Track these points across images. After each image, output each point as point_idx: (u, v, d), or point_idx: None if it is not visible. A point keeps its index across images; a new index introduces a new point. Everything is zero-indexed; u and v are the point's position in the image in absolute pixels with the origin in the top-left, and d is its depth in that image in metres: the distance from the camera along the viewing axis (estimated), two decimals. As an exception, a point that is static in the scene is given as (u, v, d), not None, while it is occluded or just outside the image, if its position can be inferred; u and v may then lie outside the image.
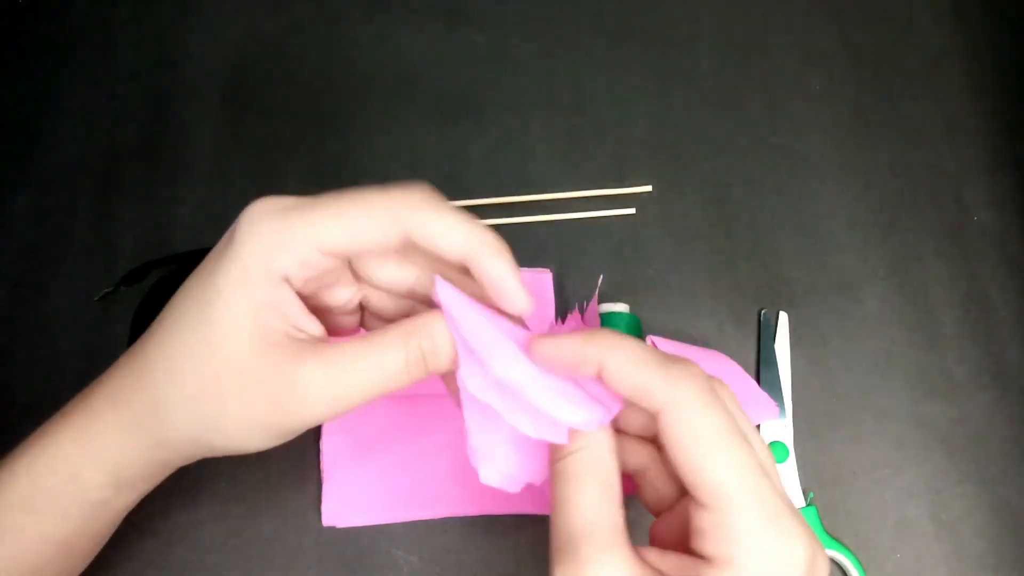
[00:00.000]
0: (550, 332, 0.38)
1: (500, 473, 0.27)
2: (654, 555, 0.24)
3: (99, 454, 0.27)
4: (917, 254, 0.43)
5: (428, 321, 0.26)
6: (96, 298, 0.41)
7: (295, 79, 0.47)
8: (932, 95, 0.47)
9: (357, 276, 0.29)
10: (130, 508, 0.31)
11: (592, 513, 0.23)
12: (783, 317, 0.42)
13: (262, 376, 0.25)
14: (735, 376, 0.38)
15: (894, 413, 0.40)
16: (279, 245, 0.25)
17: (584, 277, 0.43)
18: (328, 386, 0.25)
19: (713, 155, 0.45)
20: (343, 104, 0.47)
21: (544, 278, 0.42)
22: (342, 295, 0.29)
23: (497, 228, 0.43)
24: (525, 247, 0.43)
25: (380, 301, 0.30)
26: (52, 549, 0.28)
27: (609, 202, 0.44)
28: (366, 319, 0.31)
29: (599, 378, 0.25)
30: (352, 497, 0.38)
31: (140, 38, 0.48)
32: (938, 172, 0.45)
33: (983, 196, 0.45)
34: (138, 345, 0.28)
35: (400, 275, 0.29)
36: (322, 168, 0.45)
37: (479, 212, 0.44)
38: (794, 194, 0.45)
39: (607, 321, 0.40)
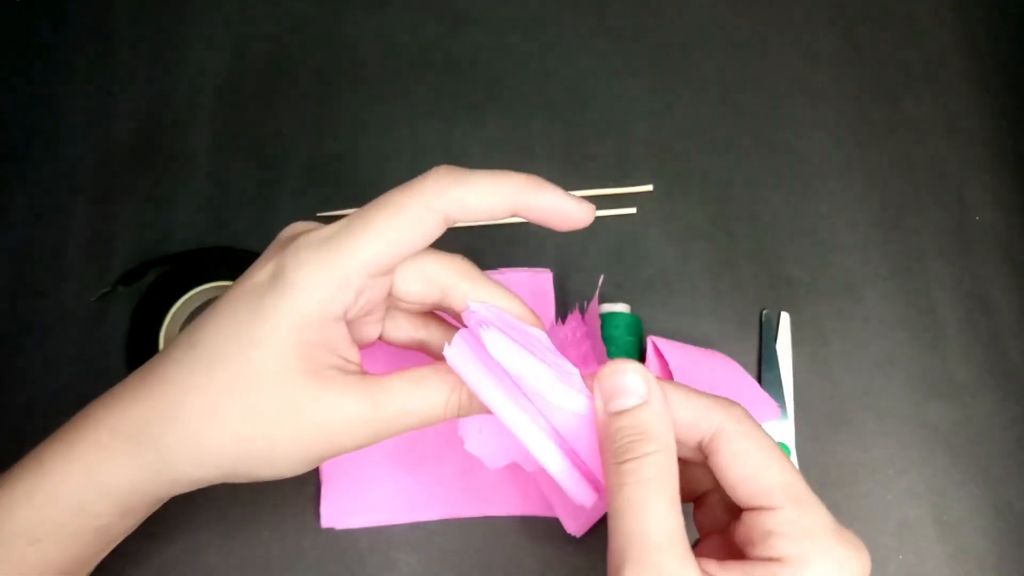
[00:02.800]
0: (560, 330, 0.39)
1: (484, 446, 0.29)
2: (713, 566, 0.23)
3: (111, 487, 0.27)
4: (919, 254, 0.43)
5: None
6: (94, 298, 0.41)
7: (294, 79, 0.47)
8: (934, 94, 0.47)
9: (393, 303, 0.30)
10: (131, 531, 0.30)
11: (668, 522, 0.23)
12: (784, 317, 0.42)
13: (313, 411, 0.26)
14: (736, 376, 0.38)
15: (896, 414, 0.40)
16: (335, 286, 0.25)
17: (584, 277, 0.42)
18: (373, 419, 0.26)
19: (714, 154, 0.45)
20: (343, 104, 0.47)
21: (544, 278, 0.42)
22: (376, 314, 0.29)
23: (497, 228, 0.44)
24: (525, 247, 0.43)
25: (402, 313, 0.31)
26: (53, 573, 0.28)
27: (610, 202, 0.44)
28: (386, 328, 0.31)
29: None
30: (351, 499, 0.38)
31: (138, 38, 0.48)
32: (940, 171, 0.45)
33: (985, 195, 0.44)
34: (158, 376, 0.27)
35: (425, 292, 0.29)
36: (322, 168, 0.45)
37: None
38: (796, 194, 0.45)
39: (608, 321, 0.40)
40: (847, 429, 0.40)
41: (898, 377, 0.41)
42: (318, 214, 0.44)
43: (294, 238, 0.27)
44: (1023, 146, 0.45)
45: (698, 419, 0.25)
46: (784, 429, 0.40)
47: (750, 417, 0.25)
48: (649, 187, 0.44)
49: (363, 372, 0.28)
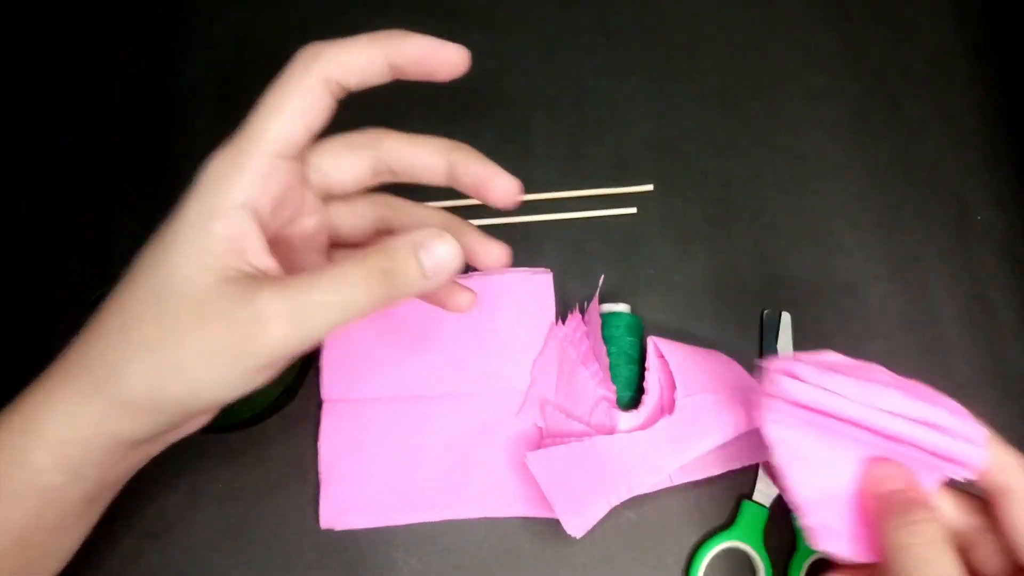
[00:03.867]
0: (560, 330, 0.40)
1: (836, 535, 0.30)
2: None
3: (47, 432, 0.26)
4: (919, 254, 0.43)
5: (389, 241, 0.26)
6: (95, 298, 0.41)
7: (295, 79, 0.47)
8: (934, 94, 0.47)
9: (322, 201, 0.30)
10: (94, 502, 0.29)
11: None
12: (785, 317, 0.42)
13: (219, 306, 0.25)
14: (737, 377, 0.38)
15: (896, 413, 0.40)
16: (234, 168, 0.26)
17: (584, 277, 0.42)
18: (287, 308, 0.25)
19: (714, 154, 0.45)
20: (343, 104, 0.46)
21: (544, 278, 0.41)
22: (308, 223, 0.29)
23: (497, 228, 0.44)
24: (525, 247, 0.43)
25: (350, 232, 0.31)
26: (7, 540, 0.27)
27: (610, 202, 0.44)
28: (337, 223, 0.31)
29: None
30: (350, 500, 0.38)
31: (140, 38, 0.48)
32: (940, 171, 0.45)
33: (985, 195, 0.44)
34: (101, 309, 0.27)
35: (358, 169, 0.30)
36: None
37: (479, 212, 0.44)
38: (795, 194, 0.45)
39: (607, 321, 0.40)
40: (847, 429, 0.40)
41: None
42: (318, 214, 0.44)
43: None
44: (1023, 145, 0.45)
45: (1004, 469, 0.28)
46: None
47: None
48: (649, 187, 0.44)
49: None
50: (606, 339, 0.39)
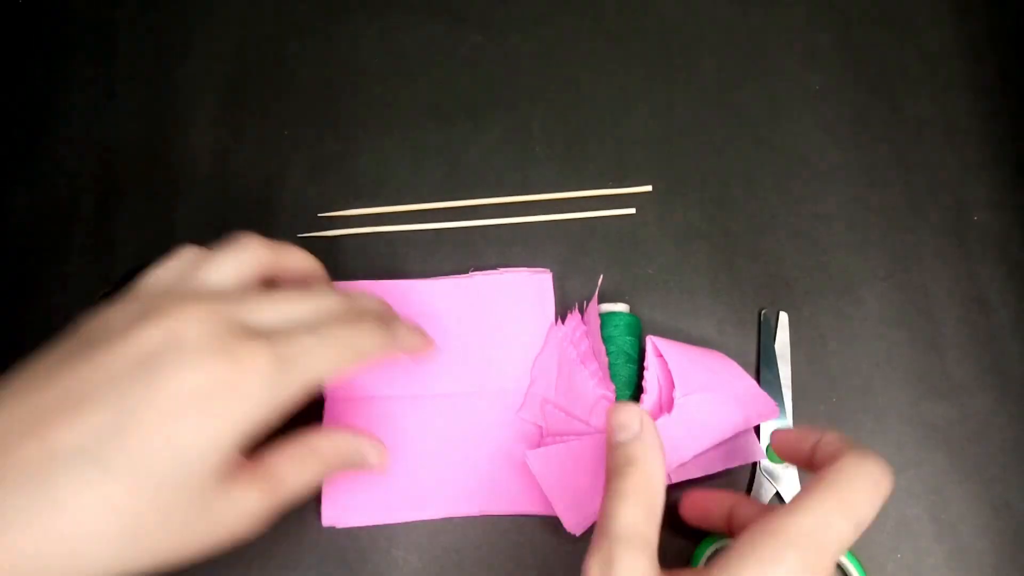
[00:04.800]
0: (560, 330, 0.41)
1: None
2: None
3: None
4: (917, 254, 0.43)
5: (344, 444, 0.31)
6: (96, 298, 0.41)
7: (295, 79, 0.47)
8: (932, 95, 0.47)
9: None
10: None
11: (631, 522, 0.26)
12: (783, 317, 0.42)
13: (209, 493, 0.25)
14: (735, 376, 0.38)
15: (894, 413, 0.40)
16: (294, 383, 0.26)
17: (584, 277, 0.43)
18: (272, 507, 0.27)
19: (713, 155, 0.45)
20: (343, 104, 0.47)
21: (544, 278, 0.42)
22: None
23: (497, 228, 0.44)
24: (525, 247, 0.43)
25: None
26: None
27: (609, 202, 0.44)
28: None
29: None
30: (351, 497, 0.38)
31: (140, 38, 0.48)
32: (938, 172, 0.45)
33: (983, 196, 0.45)
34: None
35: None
36: (322, 168, 0.45)
37: (479, 212, 0.44)
38: (794, 194, 0.45)
39: (607, 321, 0.40)
40: (845, 428, 0.40)
41: (896, 376, 0.41)
42: (318, 214, 0.44)
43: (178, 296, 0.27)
44: (1021, 147, 0.45)
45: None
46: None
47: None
48: (648, 187, 0.44)
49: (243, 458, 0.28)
50: (605, 339, 0.39)
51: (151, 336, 0.25)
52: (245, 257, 0.30)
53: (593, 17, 0.48)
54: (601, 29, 0.48)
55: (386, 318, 0.32)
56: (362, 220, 0.44)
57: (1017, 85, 0.47)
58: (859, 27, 0.48)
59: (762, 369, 0.41)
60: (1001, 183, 0.45)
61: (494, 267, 0.42)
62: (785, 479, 0.39)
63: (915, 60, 0.48)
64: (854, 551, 0.38)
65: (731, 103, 0.47)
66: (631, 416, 0.29)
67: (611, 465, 0.29)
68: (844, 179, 0.45)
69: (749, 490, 0.39)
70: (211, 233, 0.44)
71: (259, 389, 0.25)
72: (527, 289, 0.41)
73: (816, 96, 0.47)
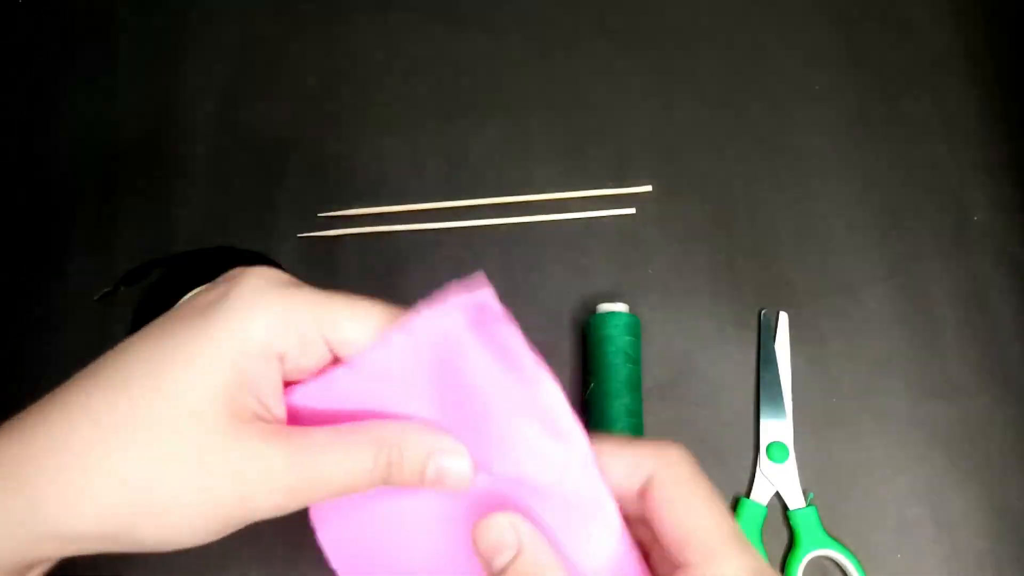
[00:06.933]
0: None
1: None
2: None
3: None
4: (917, 254, 0.43)
5: (401, 432, 0.25)
6: (96, 297, 0.41)
7: (295, 79, 0.47)
8: (932, 95, 0.47)
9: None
10: None
11: None
12: (783, 317, 0.42)
13: (230, 455, 0.22)
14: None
15: (894, 413, 0.40)
16: (288, 322, 0.23)
17: (584, 277, 0.43)
18: (292, 473, 0.23)
19: (713, 155, 0.45)
20: (343, 104, 0.47)
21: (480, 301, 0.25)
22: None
23: (497, 228, 0.44)
24: (525, 247, 0.43)
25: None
26: None
27: (609, 202, 0.44)
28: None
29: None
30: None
31: (140, 38, 0.48)
32: (938, 172, 0.45)
33: (983, 196, 0.45)
34: (56, 404, 0.23)
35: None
36: (322, 168, 0.45)
37: (479, 212, 0.44)
38: (794, 194, 0.45)
39: (606, 321, 0.40)
40: (845, 428, 0.40)
41: (896, 377, 0.41)
42: (318, 214, 0.44)
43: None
44: (1021, 147, 0.45)
45: (631, 470, 0.23)
46: (783, 428, 0.40)
47: (688, 460, 0.23)
48: (648, 187, 0.44)
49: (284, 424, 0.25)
50: (605, 339, 0.39)
51: None
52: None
53: (593, 17, 0.48)
54: (601, 29, 0.48)
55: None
56: (362, 220, 0.44)
57: (1017, 85, 0.47)
58: (859, 27, 0.48)
59: (762, 369, 0.41)
60: (1001, 183, 0.45)
61: (494, 265, 0.42)
62: (785, 479, 0.39)
63: (915, 61, 0.48)
64: (854, 551, 0.38)
65: (731, 103, 0.46)
66: (504, 532, 0.24)
67: None
68: (844, 179, 0.45)
69: (749, 490, 0.39)
70: (212, 233, 0.44)
71: (257, 310, 0.23)
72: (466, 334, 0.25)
73: (816, 96, 0.47)
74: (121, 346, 0.23)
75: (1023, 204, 0.44)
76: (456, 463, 0.25)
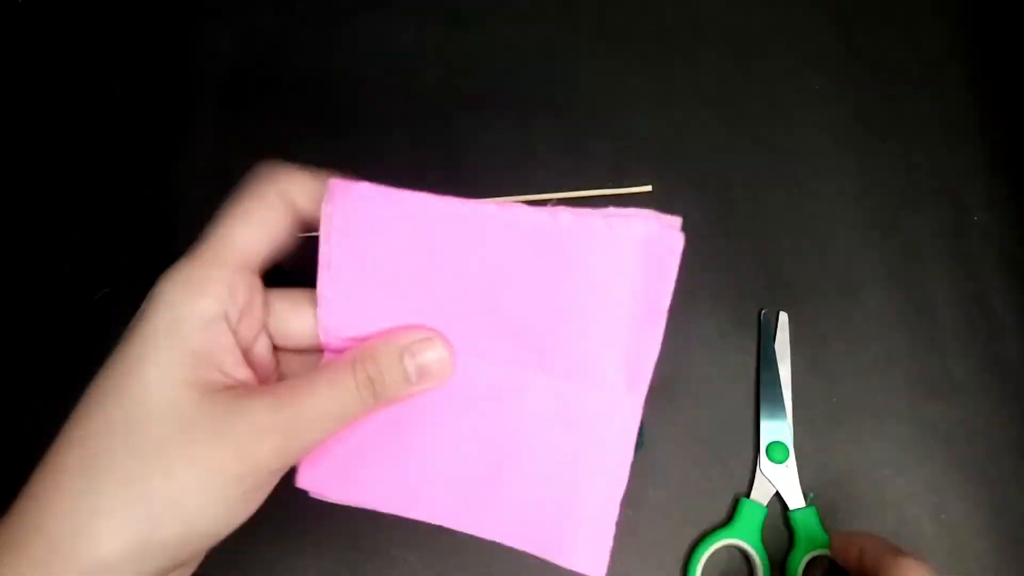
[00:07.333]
0: None
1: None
2: None
3: None
4: (917, 254, 0.43)
5: (372, 346, 0.25)
6: (95, 297, 0.41)
7: (295, 79, 0.47)
8: (932, 95, 0.47)
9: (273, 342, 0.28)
10: None
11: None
12: (783, 317, 0.42)
13: (209, 424, 0.22)
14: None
15: (894, 413, 0.40)
16: (203, 278, 0.24)
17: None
18: (282, 421, 0.23)
19: (713, 155, 0.45)
20: (343, 104, 0.47)
21: (670, 241, 0.29)
22: (263, 339, 0.27)
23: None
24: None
25: (298, 331, 0.28)
26: None
27: (609, 202, 0.44)
28: (285, 329, 0.28)
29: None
30: (336, 462, 0.29)
31: (140, 38, 0.48)
32: (938, 172, 0.45)
33: (983, 196, 0.45)
34: (48, 457, 0.23)
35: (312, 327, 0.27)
36: (322, 168, 0.45)
37: (479, 212, 0.44)
38: (794, 194, 0.45)
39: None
40: (845, 429, 0.40)
41: (896, 377, 0.41)
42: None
43: None
44: (1021, 147, 0.45)
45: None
46: (783, 428, 0.40)
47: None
48: (648, 187, 0.44)
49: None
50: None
51: None
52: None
53: (593, 17, 0.48)
54: (601, 29, 0.48)
55: None
56: (362, 220, 0.44)
57: (1017, 85, 0.47)
58: (859, 27, 0.48)
59: (762, 369, 0.41)
60: (1001, 183, 0.45)
61: None
62: (785, 479, 0.39)
63: (915, 61, 0.48)
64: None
65: (731, 103, 0.46)
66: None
67: None
68: (844, 179, 0.45)
69: (749, 491, 0.39)
70: (211, 233, 0.44)
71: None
72: (636, 256, 0.28)
73: (815, 96, 0.47)
74: (88, 391, 0.24)
75: (1023, 204, 0.44)
76: (431, 352, 0.25)
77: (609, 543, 0.28)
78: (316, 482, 0.30)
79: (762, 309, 0.42)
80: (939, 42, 0.48)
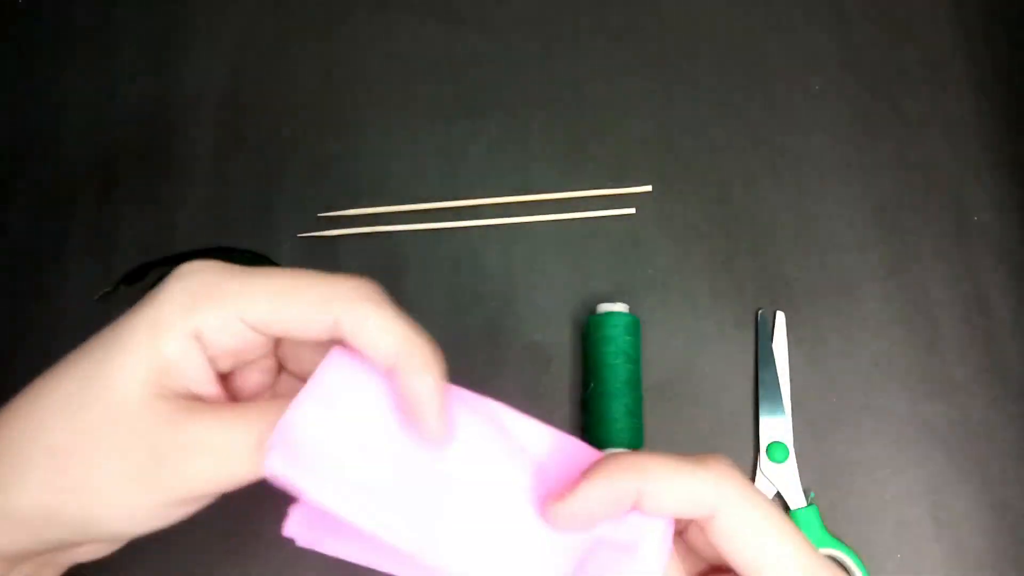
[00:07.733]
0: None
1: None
2: None
3: None
4: (916, 254, 0.43)
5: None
6: (95, 297, 0.41)
7: (295, 79, 0.47)
8: (932, 95, 0.47)
9: (281, 364, 0.27)
10: None
11: None
12: (780, 316, 0.42)
13: (144, 426, 0.22)
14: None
15: (894, 413, 0.40)
16: (203, 299, 0.23)
17: (584, 277, 0.43)
18: (219, 442, 0.22)
19: (713, 155, 0.45)
20: (343, 104, 0.47)
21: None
22: (255, 379, 0.26)
23: (497, 228, 0.44)
24: (525, 247, 0.43)
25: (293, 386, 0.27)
26: None
27: (609, 202, 0.44)
28: (290, 361, 0.27)
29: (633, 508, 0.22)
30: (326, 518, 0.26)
31: (140, 38, 0.48)
32: (938, 172, 0.45)
33: (983, 196, 0.45)
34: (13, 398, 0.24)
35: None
36: (322, 168, 0.45)
37: (479, 212, 0.44)
38: (793, 194, 0.45)
39: (606, 321, 0.40)
40: (844, 428, 0.40)
41: (895, 376, 0.41)
42: (318, 215, 0.44)
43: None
44: (1021, 147, 0.45)
45: (690, 507, 0.22)
46: (782, 428, 0.40)
47: (746, 482, 0.22)
48: (648, 187, 0.44)
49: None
50: (605, 339, 0.39)
51: None
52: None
53: (593, 17, 0.48)
54: (601, 29, 0.48)
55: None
56: (362, 220, 0.44)
57: (1017, 85, 0.47)
58: (859, 27, 0.48)
59: (760, 369, 0.41)
60: (1000, 183, 0.45)
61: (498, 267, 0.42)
62: (785, 479, 0.39)
63: (915, 60, 0.48)
64: (856, 550, 0.38)
65: (731, 103, 0.47)
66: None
67: None
68: (843, 179, 0.45)
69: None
70: (212, 233, 0.44)
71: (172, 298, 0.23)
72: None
73: (816, 96, 0.47)
74: (72, 353, 0.24)
75: (1023, 204, 0.44)
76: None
77: None
78: (304, 536, 0.28)
79: (759, 309, 0.42)
80: (937, 43, 0.48)
